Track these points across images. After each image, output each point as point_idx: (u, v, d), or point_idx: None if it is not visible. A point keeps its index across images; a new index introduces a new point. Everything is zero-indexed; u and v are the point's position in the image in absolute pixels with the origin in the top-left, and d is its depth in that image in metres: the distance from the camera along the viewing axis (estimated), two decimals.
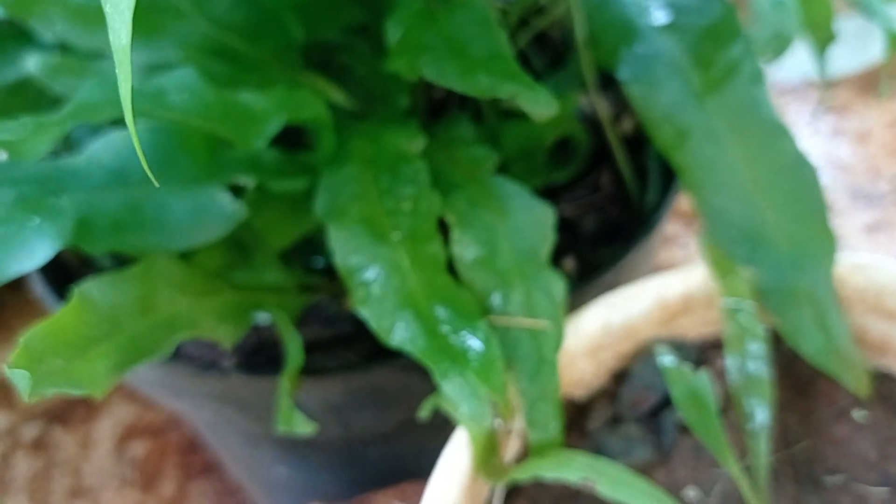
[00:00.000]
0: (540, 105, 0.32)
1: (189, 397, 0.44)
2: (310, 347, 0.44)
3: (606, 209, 0.49)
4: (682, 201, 0.80)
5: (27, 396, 0.26)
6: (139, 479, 0.70)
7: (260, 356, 0.44)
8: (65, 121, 0.29)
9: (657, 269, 0.50)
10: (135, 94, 0.31)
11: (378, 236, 0.34)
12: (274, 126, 0.33)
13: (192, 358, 0.43)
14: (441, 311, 0.32)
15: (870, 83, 0.89)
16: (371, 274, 0.33)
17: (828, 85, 0.85)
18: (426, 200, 0.35)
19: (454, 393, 0.31)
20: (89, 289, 0.31)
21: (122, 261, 0.47)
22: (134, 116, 0.31)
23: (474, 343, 0.31)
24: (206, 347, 0.45)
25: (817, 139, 0.85)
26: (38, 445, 0.73)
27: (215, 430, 0.51)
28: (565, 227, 0.49)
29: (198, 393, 0.43)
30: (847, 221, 0.77)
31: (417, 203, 0.35)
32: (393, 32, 0.36)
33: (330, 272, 0.47)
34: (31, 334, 0.28)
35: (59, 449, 0.73)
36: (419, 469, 0.49)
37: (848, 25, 0.61)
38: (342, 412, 0.42)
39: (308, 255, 0.48)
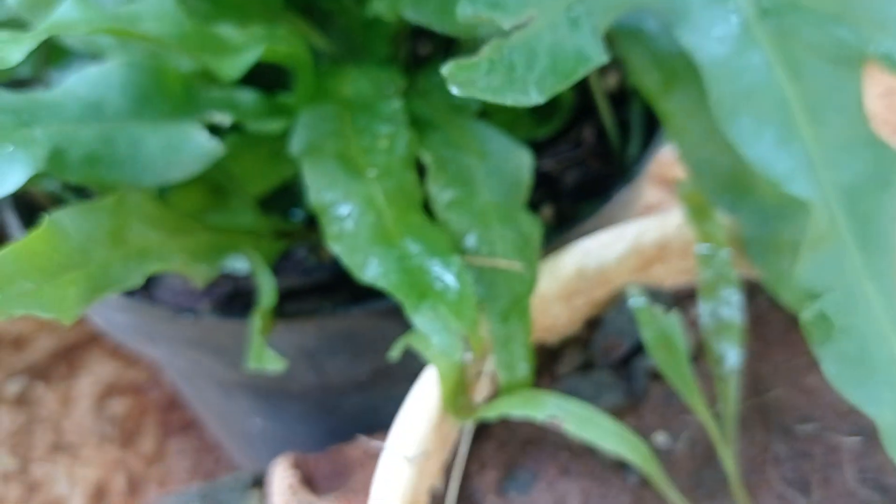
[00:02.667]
0: None
1: (164, 342, 0.44)
2: (287, 295, 0.44)
3: (588, 164, 0.49)
4: (666, 168, 0.80)
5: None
6: (119, 435, 0.70)
7: (236, 304, 0.44)
8: (40, 34, 0.28)
9: None
10: (109, 17, 0.31)
11: (353, 172, 0.33)
12: (250, 57, 0.33)
13: (168, 303, 0.43)
14: (414, 247, 0.32)
15: None
16: (345, 210, 0.33)
17: None
18: (402, 139, 0.35)
19: (426, 326, 0.31)
20: (61, 217, 0.31)
21: None
22: (97, 29, 0.30)
23: (447, 278, 0.31)
24: (181, 295, 0.45)
25: None
26: (21, 401, 0.73)
27: (192, 380, 0.51)
28: (548, 182, 0.49)
29: (172, 338, 0.43)
30: None
31: (394, 141, 0.35)
32: None
33: (308, 224, 0.47)
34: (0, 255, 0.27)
35: (41, 405, 0.73)
36: (393, 421, 0.49)
37: None
38: (316, 357, 0.42)
39: (288, 206, 0.48)
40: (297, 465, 0.46)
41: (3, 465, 0.69)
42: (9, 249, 0.28)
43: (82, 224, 0.32)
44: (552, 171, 0.49)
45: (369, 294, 0.43)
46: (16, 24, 0.43)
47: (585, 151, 0.50)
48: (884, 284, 0.29)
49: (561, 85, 0.29)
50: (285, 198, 0.47)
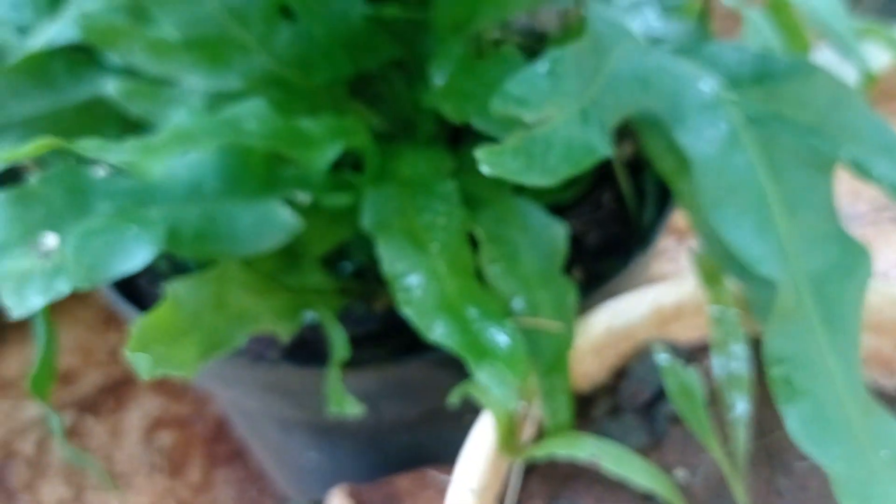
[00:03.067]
0: None
1: (240, 386, 0.49)
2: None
3: (608, 225, 0.55)
4: (675, 218, 0.86)
5: (146, 376, 0.32)
6: (167, 466, 0.76)
7: (302, 350, 0.50)
8: (171, 147, 0.34)
9: (651, 279, 0.56)
10: (216, 121, 0.37)
11: (418, 247, 0.39)
12: (333, 153, 0.39)
13: (242, 351, 0.49)
14: (473, 312, 0.38)
15: None
16: (413, 279, 0.39)
17: None
18: (458, 216, 0.41)
19: (486, 380, 0.36)
20: (178, 288, 0.37)
21: (175, 264, 0.53)
22: (206, 140, 0.37)
23: (502, 338, 0.37)
24: (253, 342, 0.51)
25: None
26: (72, 433, 0.78)
27: (256, 417, 0.57)
28: (572, 241, 0.55)
29: (248, 382, 0.49)
30: None
31: (450, 219, 0.41)
32: (438, 77, 0.42)
33: (357, 276, 0.53)
34: (140, 325, 0.33)
35: (92, 437, 0.78)
36: (437, 456, 0.55)
37: (821, 57, 0.67)
38: (373, 400, 0.48)
39: (338, 260, 0.54)
40: (353, 495, 0.51)
41: (59, 494, 0.74)
42: (146, 320, 0.34)
43: (194, 293, 0.37)
44: (576, 232, 0.55)
45: (419, 344, 0.49)
46: (100, 105, 0.49)
47: (605, 214, 0.56)
48: (844, 359, 0.34)
49: (571, 171, 0.35)
50: (336, 253, 0.53)
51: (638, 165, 0.57)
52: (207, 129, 0.36)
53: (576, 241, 0.55)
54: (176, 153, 0.34)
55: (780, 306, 0.34)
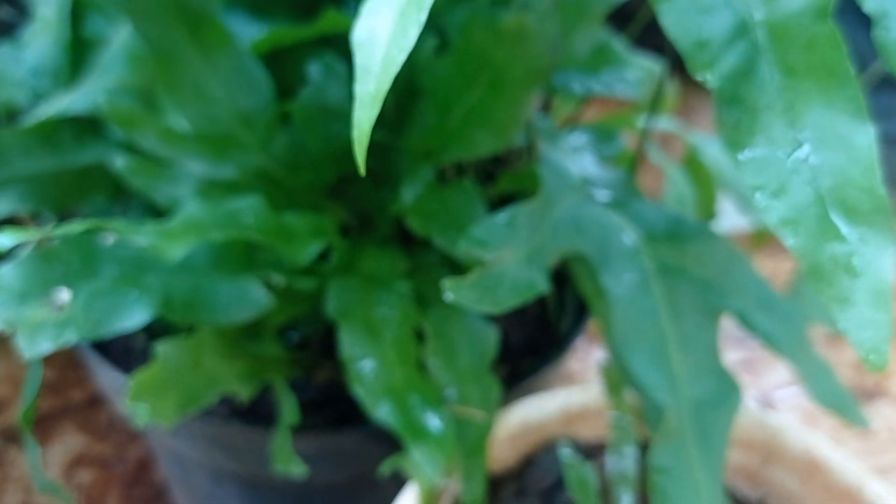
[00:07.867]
0: None
1: (185, 436, 0.55)
2: None
3: (531, 329, 0.63)
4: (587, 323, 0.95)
5: (142, 423, 0.37)
6: (85, 503, 0.79)
7: (248, 410, 0.56)
8: (185, 235, 0.41)
9: (562, 375, 0.64)
10: (223, 214, 0.43)
11: (374, 336, 0.46)
12: (315, 249, 0.46)
13: None
14: (414, 398, 0.45)
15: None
16: (367, 364, 0.45)
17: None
18: (410, 313, 0.48)
19: (419, 458, 0.43)
20: (165, 349, 0.42)
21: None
22: (215, 231, 0.43)
23: (436, 423, 0.44)
24: None
25: None
26: None
27: (189, 465, 0.62)
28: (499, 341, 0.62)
29: (196, 434, 0.54)
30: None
31: (403, 314, 0.48)
32: (407, 194, 0.49)
33: (301, 347, 0.59)
34: (136, 379, 0.39)
35: (14, 466, 0.81)
36: None
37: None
38: (310, 463, 0.54)
39: (286, 330, 0.60)
40: None
41: None
42: (141, 375, 0.40)
43: (176, 354, 0.43)
44: (503, 333, 0.63)
45: (352, 415, 0.55)
46: (97, 169, 0.54)
47: (529, 319, 0.63)
48: (711, 473, 0.42)
49: (515, 303, 0.42)
50: (285, 324, 0.59)
51: (561, 278, 0.65)
52: (215, 221, 0.42)
53: (502, 341, 0.63)
54: (190, 241, 0.41)
55: (664, 427, 0.42)
